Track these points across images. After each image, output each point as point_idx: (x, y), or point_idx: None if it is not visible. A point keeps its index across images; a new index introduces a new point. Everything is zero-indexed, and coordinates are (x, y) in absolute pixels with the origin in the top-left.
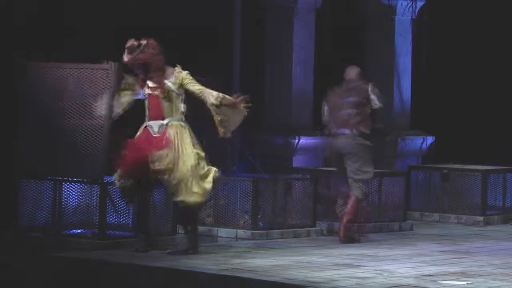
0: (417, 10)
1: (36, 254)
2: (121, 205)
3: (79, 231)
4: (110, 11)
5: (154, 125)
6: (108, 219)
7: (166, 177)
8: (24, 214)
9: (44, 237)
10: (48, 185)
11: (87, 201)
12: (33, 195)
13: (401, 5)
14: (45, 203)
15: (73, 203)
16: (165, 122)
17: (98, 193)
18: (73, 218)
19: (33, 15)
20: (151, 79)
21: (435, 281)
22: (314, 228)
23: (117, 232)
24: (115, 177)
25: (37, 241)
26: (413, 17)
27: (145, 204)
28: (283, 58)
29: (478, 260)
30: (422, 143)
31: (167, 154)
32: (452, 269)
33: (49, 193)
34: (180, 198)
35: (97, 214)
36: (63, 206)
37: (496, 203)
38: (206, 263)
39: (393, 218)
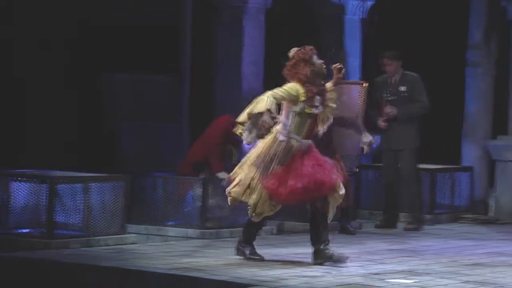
0: (367, 9)
1: None
2: (69, 204)
3: (27, 230)
4: (57, 9)
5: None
6: (57, 218)
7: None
8: None
9: None
10: None
11: (35, 200)
12: None
13: (351, 5)
14: None
15: (21, 202)
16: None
17: (47, 192)
18: (22, 217)
19: None
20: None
21: (383, 279)
22: (263, 227)
23: (65, 232)
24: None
25: None
26: (363, 16)
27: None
28: (233, 58)
29: (426, 259)
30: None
31: None
32: (400, 267)
33: None
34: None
35: (45, 213)
36: (11, 205)
37: (444, 202)
38: (155, 262)
39: (341, 217)
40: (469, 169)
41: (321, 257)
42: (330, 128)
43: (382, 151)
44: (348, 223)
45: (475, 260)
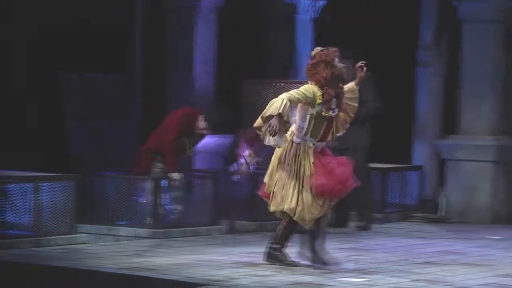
0: (319, 9)
1: None
2: (19, 204)
3: None
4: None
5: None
6: (7, 218)
7: None
8: None
9: None
10: None
11: None
12: None
13: (303, 4)
14: None
15: None
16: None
17: None
18: None
19: None
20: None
21: (334, 278)
22: (214, 227)
23: (15, 232)
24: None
25: None
26: (315, 16)
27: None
28: (185, 57)
29: (377, 257)
30: None
31: None
32: (351, 266)
33: None
34: None
35: None
36: None
37: (394, 201)
38: (106, 262)
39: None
40: (419, 168)
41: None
42: None
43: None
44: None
45: (425, 258)
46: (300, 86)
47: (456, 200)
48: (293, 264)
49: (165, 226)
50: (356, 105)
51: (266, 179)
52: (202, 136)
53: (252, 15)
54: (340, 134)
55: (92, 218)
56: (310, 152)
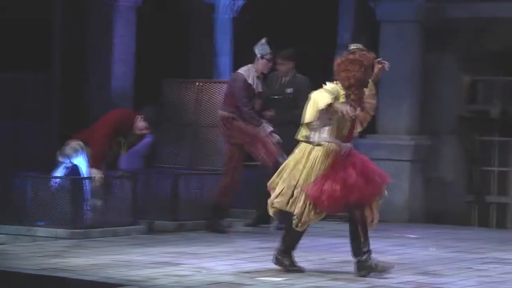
0: (238, 9)
1: None
2: None
3: None
4: None
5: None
6: None
7: None
8: None
9: None
10: None
11: None
12: None
13: (222, 4)
14: None
15: None
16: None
17: None
18: None
19: None
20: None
21: (253, 277)
22: (134, 227)
23: None
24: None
25: None
26: (234, 16)
27: None
28: (103, 55)
29: (296, 256)
30: None
31: None
32: (270, 265)
33: None
34: None
35: None
36: None
37: None
38: (24, 262)
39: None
40: None
41: (364, 268)
42: None
43: None
44: (220, 221)
45: (343, 257)
46: (220, 86)
47: None
48: (301, 270)
49: (84, 226)
50: (374, 101)
51: (274, 175)
52: (142, 136)
53: (172, 14)
54: (358, 131)
55: (11, 218)
56: (331, 156)
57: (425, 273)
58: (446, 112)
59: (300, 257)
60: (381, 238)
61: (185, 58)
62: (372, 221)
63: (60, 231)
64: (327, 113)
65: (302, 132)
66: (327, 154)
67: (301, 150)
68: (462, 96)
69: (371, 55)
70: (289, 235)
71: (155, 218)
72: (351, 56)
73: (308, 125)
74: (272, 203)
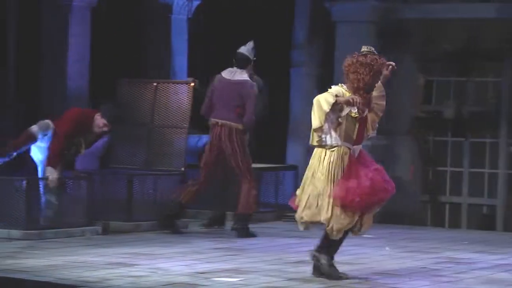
0: (193, 9)
1: None
2: None
3: None
4: None
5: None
6: None
7: None
8: None
9: None
10: None
11: None
12: None
13: (177, 4)
14: None
15: None
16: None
17: None
18: None
19: None
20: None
21: (209, 278)
22: (89, 227)
23: None
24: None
25: None
26: (190, 16)
27: None
28: (58, 55)
29: (251, 257)
30: (198, 141)
31: None
32: (226, 266)
33: None
34: None
35: None
36: None
37: (269, 201)
38: None
39: None
40: (293, 168)
41: (317, 261)
42: None
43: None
44: (176, 221)
45: (299, 257)
46: (176, 86)
47: None
48: (344, 277)
49: (38, 227)
50: (384, 103)
51: (298, 191)
52: (100, 135)
53: (128, 15)
54: (372, 134)
55: None
56: (346, 158)
57: (380, 273)
58: (402, 113)
59: (256, 257)
60: None
61: (144, 58)
62: (359, 230)
63: (14, 232)
64: (334, 113)
65: (314, 138)
66: (341, 157)
67: (315, 158)
68: (417, 97)
69: (382, 60)
70: (329, 245)
71: (110, 219)
72: (362, 59)
73: (317, 130)
74: (301, 217)
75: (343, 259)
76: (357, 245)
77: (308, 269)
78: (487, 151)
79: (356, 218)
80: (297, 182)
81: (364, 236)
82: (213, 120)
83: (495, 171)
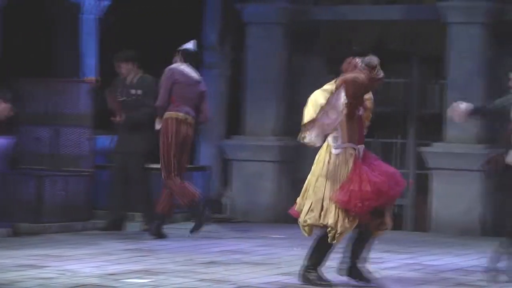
0: (103, 9)
1: None
2: None
3: None
4: None
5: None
6: None
7: None
8: None
9: None
10: None
11: None
12: None
13: (87, 4)
14: None
15: None
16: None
17: None
18: None
19: None
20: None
21: (119, 279)
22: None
23: None
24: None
25: None
26: (99, 16)
27: None
28: None
29: (162, 258)
30: (110, 142)
31: None
32: (136, 267)
33: None
34: None
35: None
36: None
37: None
38: None
39: (78, 217)
40: (205, 168)
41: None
42: None
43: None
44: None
45: (210, 258)
46: (76, 86)
47: (240, 200)
48: (329, 284)
49: None
50: (370, 95)
51: (299, 199)
52: (5, 118)
53: (37, 14)
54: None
55: None
56: (351, 160)
57: (289, 273)
58: None
59: (166, 258)
60: (246, 238)
61: (54, 58)
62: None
63: None
64: (331, 103)
65: (300, 134)
66: (346, 160)
67: (319, 163)
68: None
69: (380, 78)
70: (319, 250)
71: (19, 221)
72: (361, 75)
73: (306, 125)
74: (305, 221)
75: (253, 259)
76: (267, 245)
77: (219, 269)
78: (395, 151)
79: (356, 223)
80: (209, 183)
81: (275, 236)
82: (180, 115)
83: (404, 171)
